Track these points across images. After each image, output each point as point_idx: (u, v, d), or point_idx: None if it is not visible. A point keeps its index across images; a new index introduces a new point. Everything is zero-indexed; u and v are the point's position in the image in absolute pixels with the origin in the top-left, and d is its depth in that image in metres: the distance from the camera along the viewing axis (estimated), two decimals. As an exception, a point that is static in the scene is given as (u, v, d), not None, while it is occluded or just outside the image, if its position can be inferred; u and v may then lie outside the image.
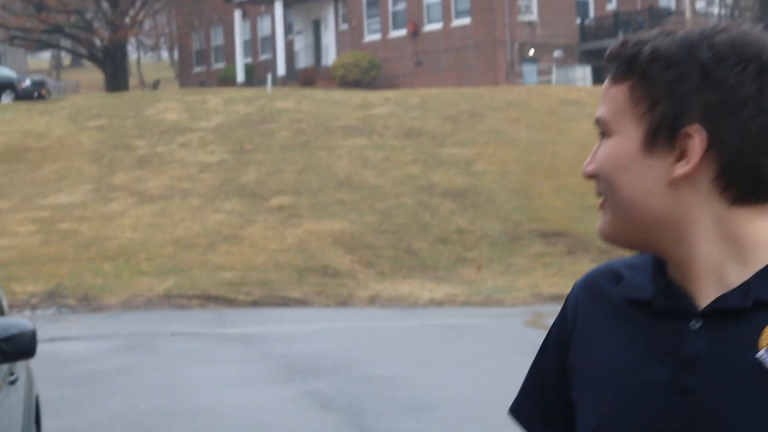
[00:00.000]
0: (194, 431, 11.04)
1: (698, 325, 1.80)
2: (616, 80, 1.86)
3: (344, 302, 21.39)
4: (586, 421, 1.93)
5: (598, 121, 1.89)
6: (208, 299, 21.21)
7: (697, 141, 1.76)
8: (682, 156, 1.78)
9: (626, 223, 1.86)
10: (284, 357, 15.47)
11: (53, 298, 20.67)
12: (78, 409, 11.88)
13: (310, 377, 13.81)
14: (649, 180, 1.82)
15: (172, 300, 21.05)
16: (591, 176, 1.89)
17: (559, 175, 28.94)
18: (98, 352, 15.96)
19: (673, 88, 1.79)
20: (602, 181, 1.87)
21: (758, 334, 1.76)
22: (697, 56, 1.78)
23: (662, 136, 1.79)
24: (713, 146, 1.76)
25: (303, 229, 25.17)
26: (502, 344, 16.46)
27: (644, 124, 1.81)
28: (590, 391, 1.93)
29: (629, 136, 1.83)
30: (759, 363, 1.74)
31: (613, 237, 1.89)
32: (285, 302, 21.26)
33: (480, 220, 26.08)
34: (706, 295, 1.81)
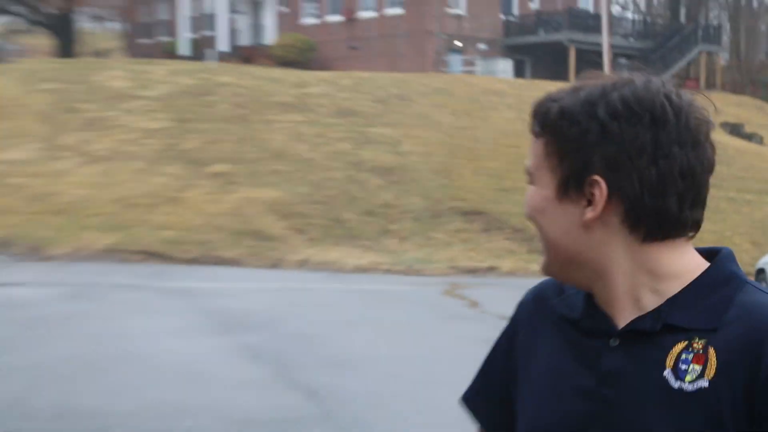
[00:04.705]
0: (132, 376, 11.01)
1: (616, 343, 1.87)
2: (536, 135, 1.93)
3: (276, 264, 21.35)
4: (522, 421, 2.01)
5: (526, 171, 1.97)
6: (148, 255, 21.10)
7: (599, 190, 1.84)
8: (589, 202, 1.85)
9: (555, 260, 1.93)
10: (218, 311, 15.48)
11: (3, 247, 20.53)
12: (27, 348, 11.86)
13: (242, 331, 13.85)
14: (565, 223, 1.88)
15: (115, 254, 20.91)
16: (529, 219, 1.97)
17: (479, 158, 29.06)
18: (45, 299, 15.86)
19: (577, 143, 1.85)
20: (533, 223, 1.96)
21: (666, 354, 1.83)
22: (596, 114, 1.84)
23: (571, 185, 1.86)
24: (615, 193, 1.83)
25: (239, 195, 25.09)
26: (420, 310, 16.54)
27: (556, 175, 1.88)
28: (526, 394, 2.01)
29: (546, 185, 1.91)
30: (665, 380, 1.82)
31: (549, 272, 1.97)
32: (220, 261, 21.18)
33: (404, 196, 26.13)
34: (624, 318, 1.87)
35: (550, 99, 1.92)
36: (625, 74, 1.91)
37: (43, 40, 59.22)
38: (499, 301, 16.67)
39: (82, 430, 8.83)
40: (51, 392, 10.12)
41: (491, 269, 21.51)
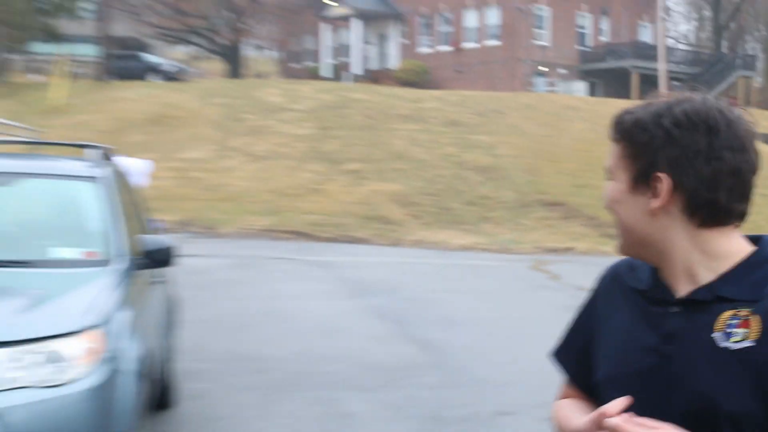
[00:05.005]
0: (284, 329, 11.12)
1: (676, 310, 1.89)
2: (614, 141, 1.95)
3: (396, 243, 21.38)
4: (599, 371, 2.02)
5: (606, 169, 1.97)
6: (296, 234, 21.25)
7: (663, 184, 1.85)
8: (655, 195, 1.87)
9: (628, 242, 1.95)
10: (351, 280, 15.55)
11: (185, 226, 20.85)
12: (202, 305, 12.06)
13: (370, 296, 13.90)
14: (636, 211, 1.90)
15: (270, 233, 21.10)
16: (608, 208, 1.98)
17: (559, 160, 28.79)
18: (216, 267, 16.12)
19: (647, 146, 1.87)
20: (610, 211, 1.97)
21: (716, 320, 1.84)
22: (662, 123, 1.85)
23: (641, 180, 1.88)
24: (677, 187, 1.84)
25: (368, 188, 25.19)
26: (511, 281, 16.46)
27: (630, 173, 1.90)
28: (603, 350, 2.03)
29: (621, 181, 1.92)
30: (714, 341, 1.83)
31: (623, 252, 1.99)
32: (353, 240, 21.26)
33: (499, 190, 26.01)
34: (682, 290, 1.90)
35: (626, 112, 1.93)
36: (687, 93, 1.90)
37: (216, 65, 60.14)
38: (576, 275, 16.54)
39: (246, 371, 8.93)
40: (221, 340, 10.28)
41: (569, 249, 21.29)
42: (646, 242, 1.91)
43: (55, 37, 44.45)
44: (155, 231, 8.35)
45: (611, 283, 2.08)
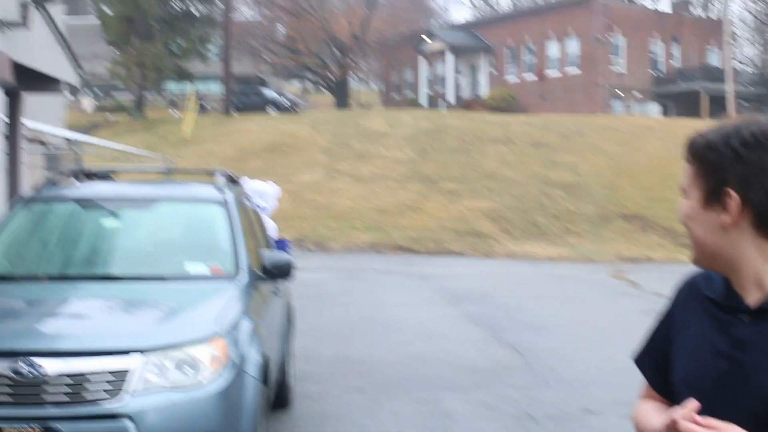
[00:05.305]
0: (388, 334, 11.13)
1: (746, 318, 1.85)
2: (687, 161, 1.92)
3: (488, 255, 21.29)
4: (675, 374, 2.00)
5: (680, 188, 1.95)
6: (398, 248, 21.32)
7: (733, 201, 1.82)
8: (726, 210, 1.83)
9: (701, 254, 1.91)
10: (448, 289, 15.51)
11: (299, 243, 21.08)
12: (314, 314, 12.18)
13: (465, 303, 13.84)
14: (708, 226, 1.87)
15: (375, 248, 21.21)
16: (683, 224, 1.96)
17: (636, 176, 28.32)
18: (326, 279, 16.23)
19: (717, 166, 1.84)
20: (685, 227, 1.94)
21: None
22: (730, 144, 1.82)
23: (712, 198, 1.85)
24: (746, 203, 1.81)
25: (462, 205, 25.13)
26: (593, 288, 16.23)
27: (702, 191, 1.87)
28: (679, 353, 2.00)
29: (695, 198, 1.89)
30: None
31: (697, 263, 1.96)
32: (449, 253, 21.24)
33: (581, 205, 25.69)
34: (752, 298, 1.86)
35: (699, 135, 1.91)
36: (754, 115, 1.88)
37: (326, 97, 60.69)
38: (653, 282, 16.23)
39: (351, 372, 8.95)
40: (330, 345, 10.32)
41: (647, 258, 20.93)
42: (717, 255, 1.87)
43: (185, 76, 45.52)
44: (283, 248, 8.44)
45: (689, 292, 2.04)
